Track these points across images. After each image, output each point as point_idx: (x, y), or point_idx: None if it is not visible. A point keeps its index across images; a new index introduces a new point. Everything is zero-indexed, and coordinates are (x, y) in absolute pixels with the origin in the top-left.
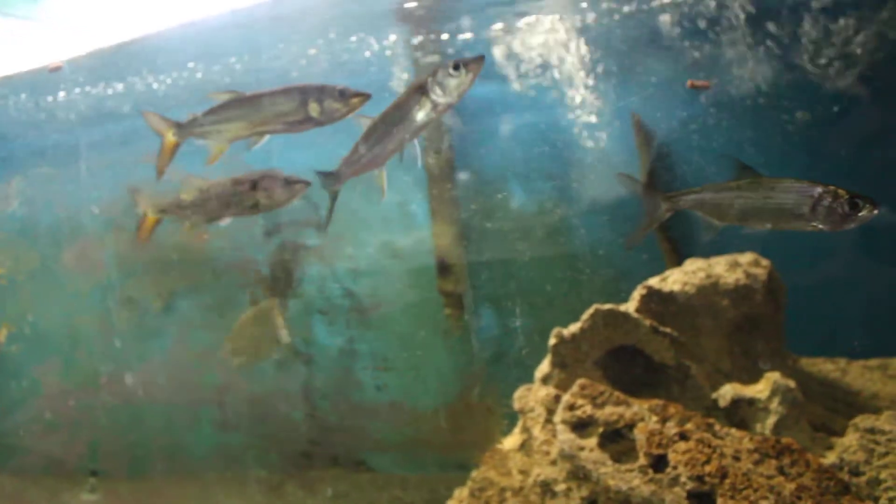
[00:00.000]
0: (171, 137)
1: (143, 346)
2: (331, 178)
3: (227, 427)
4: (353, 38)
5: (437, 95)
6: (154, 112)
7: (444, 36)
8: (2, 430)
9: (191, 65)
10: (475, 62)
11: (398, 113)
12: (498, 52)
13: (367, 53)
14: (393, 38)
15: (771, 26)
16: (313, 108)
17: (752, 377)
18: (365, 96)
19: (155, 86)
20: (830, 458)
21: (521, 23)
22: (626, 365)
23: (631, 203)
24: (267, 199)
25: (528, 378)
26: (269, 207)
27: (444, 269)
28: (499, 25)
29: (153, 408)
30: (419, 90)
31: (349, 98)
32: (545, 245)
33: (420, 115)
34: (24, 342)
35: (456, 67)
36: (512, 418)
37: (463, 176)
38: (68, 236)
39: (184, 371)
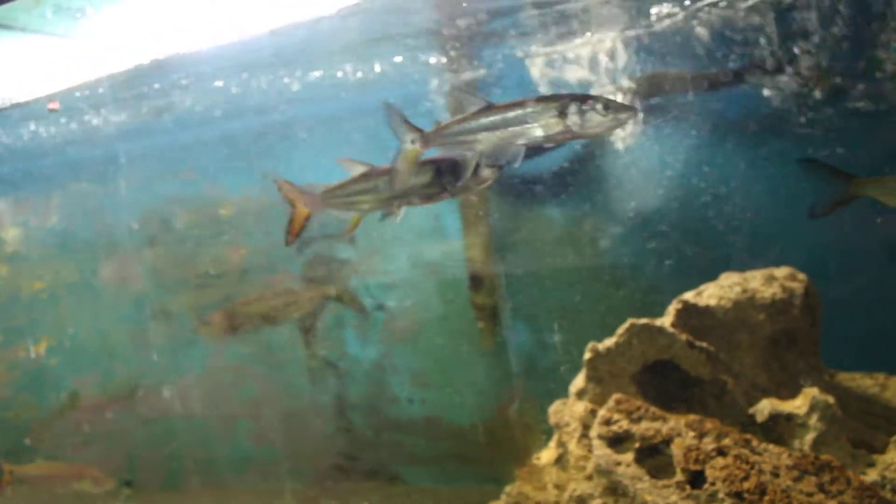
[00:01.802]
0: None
1: (179, 359)
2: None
3: (262, 440)
4: (389, 58)
5: (573, 123)
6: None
7: (479, 55)
8: (40, 441)
9: (219, 83)
10: (626, 112)
11: (518, 115)
12: (534, 70)
13: (402, 72)
14: (428, 57)
15: None
16: (573, 120)
17: (789, 392)
18: (632, 111)
19: (189, 102)
20: (872, 476)
21: (557, 41)
22: (662, 380)
23: (662, 216)
24: (453, 185)
25: (560, 392)
26: (454, 194)
27: (476, 282)
28: (535, 44)
29: (189, 420)
30: (558, 107)
31: (615, 111)
32: (577, 258)
33: (540, 131)
34: (62, 355)
35: (606, 107)
36: (546, 432)
37: (495, 188)
38: (106, 250)
39: (219, 384)
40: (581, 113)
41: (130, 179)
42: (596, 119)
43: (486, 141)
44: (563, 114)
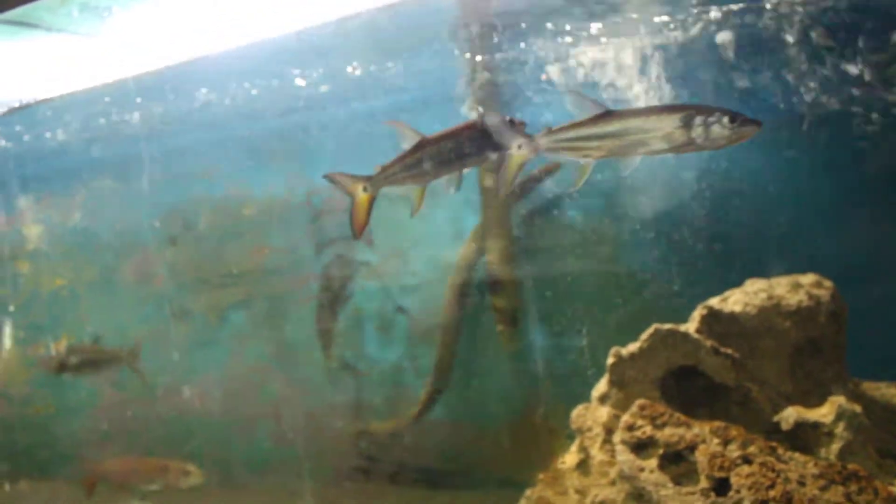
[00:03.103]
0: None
1: (199, 358)
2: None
3: (283, 440)
4: (418, 56)
5: (697, 135)
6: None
7: (504, 53)
8: (59, 438)
9: (245, 83)
10: (751, 125)
11: (639, 124)
12: (555, 69)
13: (425, 70)
14: (454, 55)
15: None
16: (697, 132)
17: (814, 400)
18: (758, 125)
19: (215, 102)
20: None
21: (582, 40)
22: (685, 386)
23: (684, 220)
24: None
25: (581, 397)
26: (476, 162)
27: (496, 285)
28: (559, 42)
29: (209, 420)
30: (683, 118)
31: (741, 125)
32: (598, 262)
33: (662, 142)
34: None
35: (732, 120)
36: (568, 437)
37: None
38: (128, 248)
39: (240, 384)
40: (706, 126)
41: (153, 178)
42: (721, 132)
43: (603, 149)
44: (687, 125)
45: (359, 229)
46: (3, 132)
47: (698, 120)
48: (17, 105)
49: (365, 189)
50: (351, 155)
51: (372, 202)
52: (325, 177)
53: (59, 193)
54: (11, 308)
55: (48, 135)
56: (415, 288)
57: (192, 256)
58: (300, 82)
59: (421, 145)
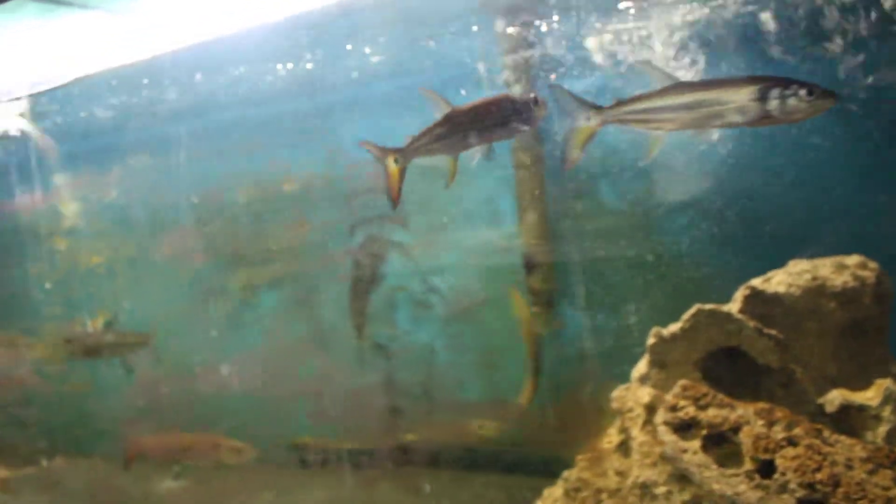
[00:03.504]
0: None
1: (237, 336)
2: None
3: (322, 420)
4: (447, 34)
5: (773, 108)
6: (376, 145)
7: (534, 27)
8: (95, 415)
9: (283, 59)
10: (829, 98)
11: (713, 96)
12: (591, 43)
13: (449, 47)
14: (477, 29)
15: None
16: (773, 105)
17: (859, 383)
18: (836, 97)
19: (253, 78)
20: None
21: (620, 13)
22: (726, 367)
23: (721, 202)
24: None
25: (617, 377)
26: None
27: (531, 266)
28: (594, 15)
29: (246, 398)
30: (759, 91)
31: (818, 98)
32: (634, 244)
33: (736, 114)
34: (119, 330)
35: (810, 93)
36: (606, 418)
37: (552, 172)
38: (165, 226)
39: (278, 362)
40: (783, 98)
41: (191, 155)
42: (797, 105)
43: (675, 121)
44: (763, 98)
45: (394, 200)
46: (40, 110)
47: (775, 92)
48: (53, 84)
49: (396, 160)
50: (392, 132)
51: (403, 173)
52: (362, 144)
53: (96, 171)
54: (48, 285)
55: (84, 113)
56: (448, 268)
57: (230, 233)
58: (341, 58)
59: (450, 116)
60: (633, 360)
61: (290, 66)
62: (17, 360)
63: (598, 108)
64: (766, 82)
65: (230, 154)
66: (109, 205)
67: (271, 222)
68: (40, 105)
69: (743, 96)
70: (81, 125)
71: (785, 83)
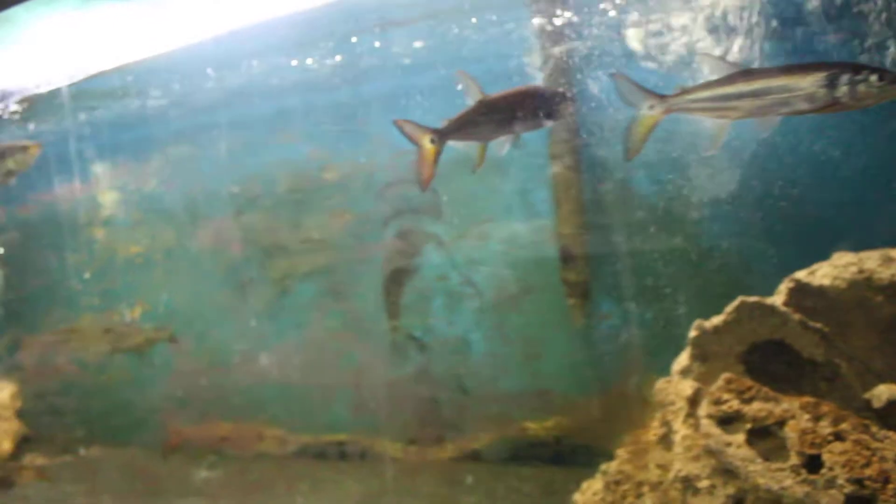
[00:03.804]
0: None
1: (276, 326)
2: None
3: (361, 410)
4: (490, 24)
5: (842, 94)
6: (409, 121)
7: (576, 17)
8: (134, 405)
9: (324, 46)
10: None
11: (781, 83)
12: (631, 34)
13: (491, 37)
14: (520, 20)
15: None
16: (843, 91)
17: None
18: None
19: (294, 66)
20: None
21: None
22: (769, 360)
23: (756, 194)
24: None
25: (655, 370)
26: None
27: (567, 258)
28: (635, 5)
29: (286, 388)
30: (827, 77)
31: (889, 83)
32: (670, 236)
33: (804, 101)
34: (157, 320)
35: (881, 78)
36: (645, 411)
37: (587, 164)
38: (205, 215)
39: (318, 352)
40: (852, 84)
41: (231, 144)
42: (868, 91)
43: (741, 109)
44: (832, 84)
45: (425, 181)
46: (79, 101)
47: (844, 78)
48: (92, 73)
49: (432, 140)
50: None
51: (438, 154)
52: (395, 123)
53: (135, 161)
54: (87, 275)
55: (124, 103)
56: (483, 260)
57: (271, 222)
58: (384, 48)
59: (484, 103)
60: (671, 353)
61: (333, 55)
62: (57, 349)
63: (661, 97)
64: (836, 68)
65: (270, 143)
66: (148, 195)
67: (311, 212)
68: (80, 95)
69: (811, 83)
70: (120, 115)
71: (855, 68)
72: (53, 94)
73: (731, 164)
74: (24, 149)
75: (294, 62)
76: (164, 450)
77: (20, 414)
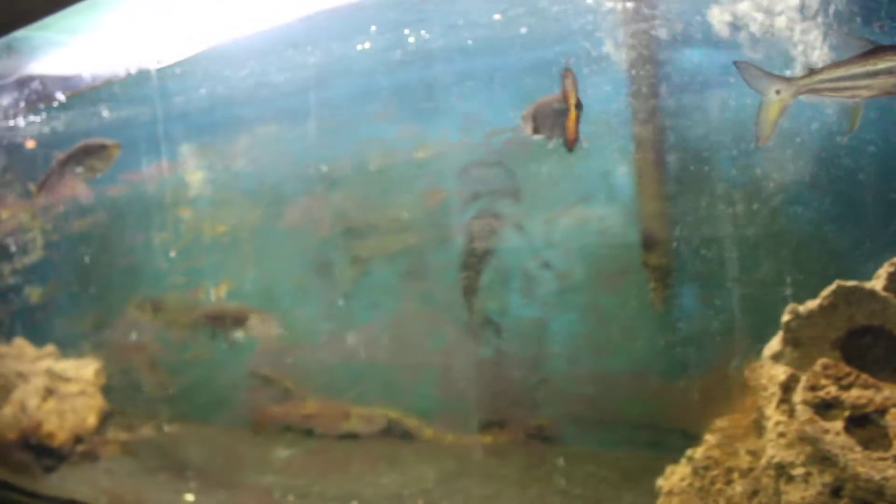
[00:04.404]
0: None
1: (360, 305)
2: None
3: (447, 393)
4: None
5: None
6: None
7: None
8: (217, 384)
9: (415, 26)
10: None
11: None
12: (716, 14)
13: (565, 19)
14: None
15: None
16: None
17: None
18: None
19: (385, 46)
20: None
21: None
22: (866, 347)
23: (847, 180)
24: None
25: (742, 357)
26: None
27: (649, 242)
28: None
29: (371, 367)
30: None
31: None
32: (756, 222)
33: None
34: (243, 299)
35: None
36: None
37: (672, 147)
38: (292, 195)
39: (407, 332)
40: None
41: (321, 123)
42: None
43: (874, 88)
44: None
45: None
46: (167, 84)
47: None
48: (179, 56)
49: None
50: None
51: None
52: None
53: (222, 141)
54: (172, 254)
55: (210, 84)
56: (564, 243)
57: (361, 201)
58: (475, 27)
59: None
60: (759, 339)
61: (422, 32)
62: (142, 326)
63: (788, 80)
64: None
65: (360, 122)
66: (235, 174)
67: (402, 191)
68: (168, 77)
69: None
70: (208, 96)
71: None
72: (144, 76)
73: (820, 147)
74: (104, 147)
75: (383, 40)
76: (254, 428)
77: (104, 390)
